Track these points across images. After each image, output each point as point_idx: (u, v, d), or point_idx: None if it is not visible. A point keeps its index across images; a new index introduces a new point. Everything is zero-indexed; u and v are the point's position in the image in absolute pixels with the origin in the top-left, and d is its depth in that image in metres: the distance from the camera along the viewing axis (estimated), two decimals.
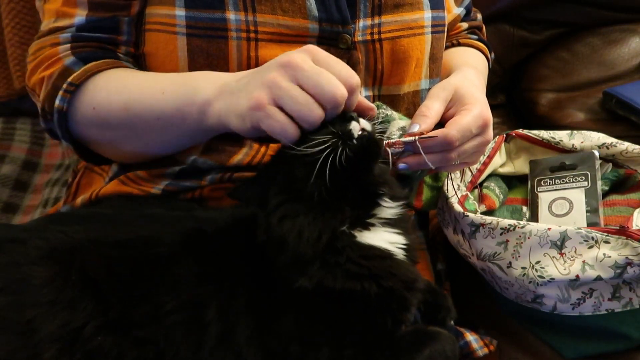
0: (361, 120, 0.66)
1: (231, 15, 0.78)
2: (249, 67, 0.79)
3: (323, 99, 0.63)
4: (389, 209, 0.70)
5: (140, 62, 0.86)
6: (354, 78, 0.65)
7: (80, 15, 0.81)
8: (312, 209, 0.64)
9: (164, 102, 0.74)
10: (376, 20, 0.85)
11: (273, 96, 0.63)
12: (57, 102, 0.78)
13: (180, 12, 0.79)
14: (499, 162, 1.00)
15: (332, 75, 0.63)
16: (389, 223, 0.70)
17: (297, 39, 0.81)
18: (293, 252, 0.64)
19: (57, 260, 0.65)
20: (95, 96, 0.77)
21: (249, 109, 0.64)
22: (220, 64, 0.79)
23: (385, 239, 0.69)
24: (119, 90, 0.77)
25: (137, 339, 0.64)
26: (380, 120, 0.84)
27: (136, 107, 0.76)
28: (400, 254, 0.69)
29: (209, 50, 0.79)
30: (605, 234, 0.76)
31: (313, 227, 0.64)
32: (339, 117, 0.65)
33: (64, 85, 0.77)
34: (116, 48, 0.83)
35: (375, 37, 0.85)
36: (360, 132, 0.65)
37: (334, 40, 0.83)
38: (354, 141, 0.64)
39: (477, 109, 0.79)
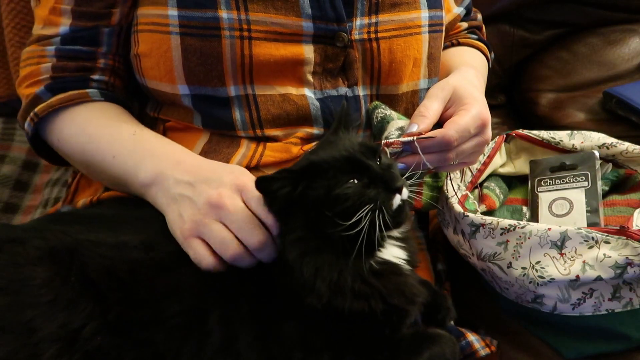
0: (404, 190, 0.67)
1: (224, 14, 0.79)
2: (243, 66, 0.80)
3: (243, 240, 0.68)
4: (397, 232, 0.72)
5: (134, 64, 0.87)
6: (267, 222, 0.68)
7: (64, 25, 0.84)
8: (336, 255, 0.65)
9: (114, 166, 0.79)
10: (373, 19, 0.85)
11: (197, 233, 0.69)
12: (25, 125, 0.86)
13: (172, 11, 0.79)
14: (499, 162, 1.00)
15: (253, 220, 0.68)
16: (393, 238, 0.71)
17: (293, 37, 0.81)
18: (310, 286, 0.65)
19: (56, 260, 0.65)
20: (60, 132, 0.84)
21: (176, 232, 0.70)
22: (214, 63, 0.79)
23: (392, 253, 0.70)
24: (79, 135, 0.83)
25: (136, 341, 0.64)
26: (378, 119, 0.85)
27: (91, 159, 0.82)
28: (404, 265, 0.70)
29: (202, 49, 0.79)
30: (606, 234, 0.76)
31: (339, 273, 0.65)
32: (385, 181, 0.66)
33: (31, 114, 0.85)
34: (95, 63, 0.86)
35: (372, 36, 0.85)
36: (399, 203, 0.66)
37: (330, 38, 0.83)
38: (392, 210, 0.66)
39: (476, 109, 0.79)
